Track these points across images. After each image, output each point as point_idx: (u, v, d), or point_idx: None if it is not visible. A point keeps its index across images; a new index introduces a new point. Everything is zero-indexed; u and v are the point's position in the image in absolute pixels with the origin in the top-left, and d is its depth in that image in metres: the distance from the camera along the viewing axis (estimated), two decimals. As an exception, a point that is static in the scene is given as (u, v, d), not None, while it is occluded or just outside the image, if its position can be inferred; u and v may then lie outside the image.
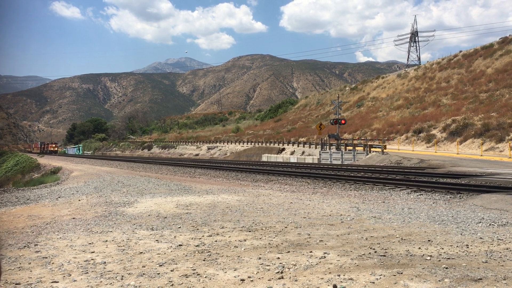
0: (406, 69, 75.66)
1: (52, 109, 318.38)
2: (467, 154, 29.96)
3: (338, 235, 6.60)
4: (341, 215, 8.54)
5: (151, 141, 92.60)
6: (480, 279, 4.35)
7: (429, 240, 6.17)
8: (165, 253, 5.68)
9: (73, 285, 4.45)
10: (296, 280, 4.43)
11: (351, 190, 13.93)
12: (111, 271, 4.90)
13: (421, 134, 41.05)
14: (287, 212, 8.95)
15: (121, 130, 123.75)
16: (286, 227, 7.29)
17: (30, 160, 57.13)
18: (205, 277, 4.61)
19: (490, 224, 7.34)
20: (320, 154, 36.26)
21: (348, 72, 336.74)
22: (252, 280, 4.47)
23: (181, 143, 79.05)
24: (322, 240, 6.26)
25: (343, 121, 37.18)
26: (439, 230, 6.93)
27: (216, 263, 5.17)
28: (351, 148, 35.66)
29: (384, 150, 30.93)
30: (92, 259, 5.43)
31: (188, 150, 71.56)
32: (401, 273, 4.59)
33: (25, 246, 6.26)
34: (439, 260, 5.09)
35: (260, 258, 5.31)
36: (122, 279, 4.59)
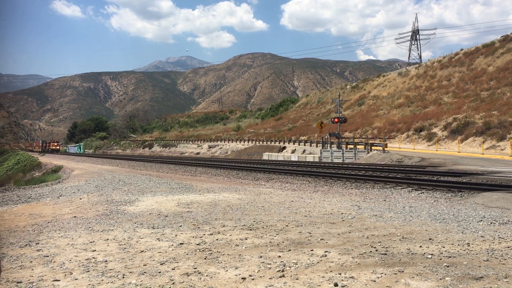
0: (407, 68, 75.57)
1: (53, 107, 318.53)
2: (468, 152, 29.92)
3: (339, 234, 6.60)
4: (342, 213, 8.54)
5: (152, 139, 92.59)
6: (481, 277, 4.35)
7: (430, 239, 6.16)
8: (166, 252, 5.68)
9: (75, 283, 4.45)
10: (297, 279, 4.43)
11: (352, 188, 13.92)
12: (112, 269, 4.91)
13: (422, 133, 41.00)
14: (288, 211, 8.95)
15: (122, 129, 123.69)
16: (287, 226, 7.29)
17: (31, 159, 57.17)
18: (206, 275, 4.61)
19: (491, 223, 7.33)
20: (321, 153, 36.23)
21: (349, 71, 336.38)
22: (253, 279, 4.47)
23: (182, 141, 79.06)
24: (323, 239, 6.26)
25: (344, 120, 37.14)
26: (440, 228, 6.92)
27: (217, 261, 5.17)
28: (352, 146, 35.63)
29: (385, 149, 30.89)
30: (93, 258, 5.43)
31: (189, 149, 71.58)
32: (402, 271, 4.59)
33: (26, 245, 6.27)
34: (440, 259, 5.08)
35: (261, 257, 5.32)
36: (123, 277, 4.60)
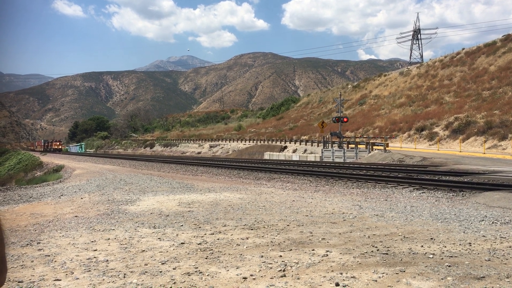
0: (409, 67, 75.49)
1: (55, 107, 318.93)
2: (469, 152, 29.89)
3: (340, 233, 6.60)
4: (343, 213, 8.53)
5: (153, 139, 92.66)
6: (483, 277, 4.34)
7: (431, 238, 6.15)
8: (167, 251, 5.68)
9: (76, 283, 4.45)
10: (298, 278, 4.42)
11: (353, 188, 13.91)
12: (113, 269, 4.91)
13: (424, 132, 40.97)
14: (289, 210, 8.94)
15: (123, 128, 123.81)
16: (288, 225, 7.29)
17: (33, 158, 57.23)
18: (208, 275, 4.61)
19: (493, 222, 7.32)
20: (322, 152, 36.21)
21: (350, 70, 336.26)
22: (254, 278, 4.47)
23: (183, 141, 79.11)
24: (324, 238, 6.26)
25: (345, 119, 37.12)
26: (441, 228, 6.91)
27: (218, 261, 5.17)
28: (353, 146, 35.64)
29: (387, 148, 30.87)
30: (94, 257, 5.44)
31: (190, 148, 71.61)
32: (404, 271, 4.58)
33: (27, 244, 6.27)
34: (442, 258, 5.08)
35: (262, 256, 5.31)
36: (124, 277, 4.60)
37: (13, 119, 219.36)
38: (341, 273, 4.55)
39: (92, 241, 6.37)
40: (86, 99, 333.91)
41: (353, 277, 4.43)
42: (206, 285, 4.31)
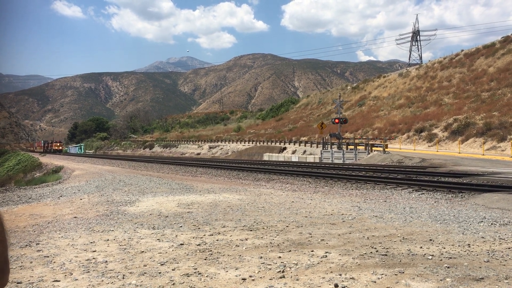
0: (408, 68, 75.55)
1: (54, 108, 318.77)
2: (468, 153, 29.91)
3: (339, 234, 6.60)
4: (342, 214, 8.53)
5: (152, 140, 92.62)
6: (482, 278, 4.35)
7: (430, 240, 6.16)
8: (166, 252, 5.68)
9: (75, 284, 4.45)
10: (297, 280, 4.42)
11: (352, 189, 13.92)
12: (112, 270, 4.90)
13: (423, 133, 41.00)
14: (288, 211, 8.94)
15: (123, 129, 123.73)
16: (287, 226, 7.29)
17: (32, 159, 57.20)
18: (207, 276, 4.61)
19: (492, 224, 7.33)
20: (321, 153, 36.23)
21: (350, 71, 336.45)
22: (253, 279, 4.47)
23: (183, 142, 79.08)
24: (323, 239, 6.26)
25: (344, 120, 37.16)
26: (440, 229, 6.92)
27: (217, 262, 5.17)
28: (352, 147, 35.64)
29: (386, 149, 30.89)
30: (93, 258, 5.43)
31: (190, 149, 71.60)
32: (403, 272, 4.59)
33: (26, 245, 6.27)
34: (441, 260, 5.08)
35: (261, 257, 5.31)
36: (123, 278, 4.60)
37: (12, 120, 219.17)
38: (340, 274, 4.56)
39: (91, 242, 6.37)
40: (86, 100, 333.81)
41: (352, 278, 4.43)
42: (205, 286, 4.31)
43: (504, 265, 4.85)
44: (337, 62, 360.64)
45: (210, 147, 67.19)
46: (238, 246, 5.97)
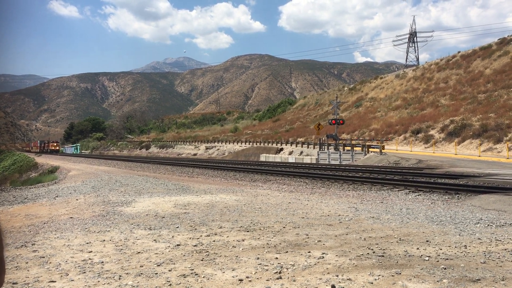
0: (405, 70, 75.72)
1: (50, 108, 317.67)
2: (465, 154, 30.00)
3: (336, 235, 6.60)
4: (339, 215, 8.53)
5: (149, 140, 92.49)
6: (479, 279, 4.35)
7: (427, 241, 6.16)
8: (163, 253, 5.66)
9: (71, 284, 4.43)
10: (294, 281, 4.42)
11: (349, 190, 13.93)
12: (108, 270, 4.88)
13: (419, 135, 41.09)
14: (285, 212, 8.94)
15: (119, 130, 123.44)
16: (284, 227, 7.28)
17: (28, 159, 56.99)
18: (203, 277, 4.60)
19: (488, 225, 7.34)
20: (318, 154, 36.26)
21: (347, 72, 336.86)
22: (250, 280, 4.46)
23: (179, 142, 78.99)
24: (320, 240, 6.25)
25: (341, 121, 37.21)
26: (437, 230, 6.92)
27: (214, 263, 5.15)
28: (349, 148, 35.68)
29: (382, 151, 30.95)
30: (89, 259, 5.41)
31: (186, 150, 71.52)
32: (400, 273, 4.59)
33: (22, 246, 6.24)
34: (438, 261, 5.08)
35: (258, 258, 5.30)
36: (119, 278, 4.58)
37: (8, 120, 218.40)
38: (337, 275, 4.55)
39: (87, 243, 6.34)
40: (82, 100, 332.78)
41: (349, 279, 4.43)
42: (202, 287, 4.29)
43: (501, 266, 4.86)
44: (334, 63, 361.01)
45: (207, 148, 67.14)
46: (235, 247, 5.96)
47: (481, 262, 5.01)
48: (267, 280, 4.46)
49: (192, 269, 4.88)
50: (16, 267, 5.12)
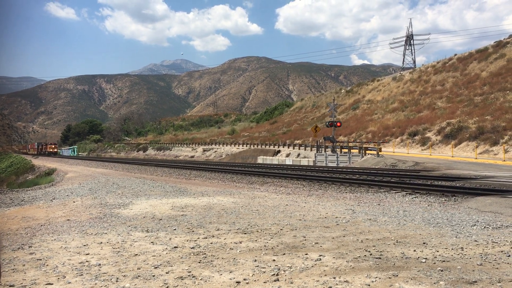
0: (401, 72, 75.94)
1: (47, 110, 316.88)
2: (461, 157, 30.08)
3: (333, 238, 6.61)
4: (336, 217, 8.55)
5: (146, 143, 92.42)
6: (475, 281, 4.37)
7: (424, 243, 6.18)
8: (160, 255, 5.66)
9: (68, 287, 4.43)
10: (291, 283, 4.42)
11: (346, 192, 13.94)
12: (106, 273, 4.88)
13: (416, 137, 41.20)
14: (282, 215, 8.95)
15: (116, 132, 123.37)
16: (281, 229, 7.29)
17: (25, 162, 56.85)
18: (201, 279, 4.60)
19: (484, 227, 7.37)
20: (315, 157, 36.29)
21: (344, 75, 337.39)
22: (247, 283, 4.46)
23: (177, 145, 78.96)
24: (317, 243, 6.26)
25: (338, 124, 37.25)
26: (434, 232, 6.95)
27: (211, 265, 5.16)
28: (346, 150, 35.75)
29: (379, 153, 31.02)
30: (86, 261, 5.40)
31: (184, 152, 71.46)
32: (397, 275, 4.60)
33: (19, 248, 6.22)
34: (434, 263, 5.10)
35: (255, 261, 5.31)
36: (117, 281, 4.58)
37: (5, 122, 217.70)
38: (334, 278, 4.56)
39: (85, 245, 6.33)
40: (79, 102, 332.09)
41: (346, 281, 4.44)
42: (199, 289, 4.29)
43: (497, 268, 4.88)
44: (331, 66, 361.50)
45: (204, 150, 67.11)
46: (232, 249, 5.96)
47: (477, 264, 5.03)
48: (264, 282, 4.47)
49: (190, 271, 4.88)
50: (13, 269, 5.11)
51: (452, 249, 5.82)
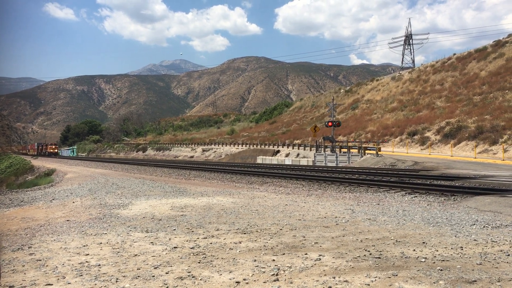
0: (401, 72, 75.97)
1: (46, 110, 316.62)
2: (461, 156, 30.10)
3: (333, 237, 6.61)
4: (336, 217, 8.55)
5: (145, 143, 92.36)
6: (475, 281, 4.37)
7: (423, 242, 6.19)
8: (160, 256, 5.66)
9: (68, 287, 4.42)
10: (291, 283, 4.43)
11: (345, 192, 13.95)
12: (105, 273, 4.88)
13: (415, 137, 41.21)
14: (282, 214, 8.95)
15: (116, 132, 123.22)
16: (281, 229, 7.30)
17: (24, 162, 56.79)
18: (200, 279, 4.60)
19: (484, 226, 7.37)
20: (315, 156, 36.30)
21: (343, 75, 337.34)
22: (247, 283, 4.46)
23: (176, 145, 78.92)
24: (317, 242, 6.27)
25: (337, 124, 37.26)
26: (433, 232, 6.95)
27: (211, 265, 5.16)
28: (345, 150, 35.75)
29: (379, 153, 31.02)
30: (86, 262, 5.40)
31: (183, 152, 71.43)
32: (396, 275, 4.60)
33: (19, 249, 6.22)
34: (434, 262, 5.10)
35: (255, 261, 5.31)
36: (116, 281, 4.58)
37: (4, 123, 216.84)
38: (334, 277, 4.57)
39: (84, 246, 6.33)
40: (78, 102, 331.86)
41: (346, 281, 4.44)
42: (199, 290, 4.30)
43: (497, 267, 4.89)
44: (330, 66, 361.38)
45: (204, 150, 67.09)
46: (232, 249, 5.96)
47: (477, 264, 5.04)
48: (264, 282, 4.47)
49: (189, 272, 4.88)
50: (13, 270, 5.10)
51: (451, 248, 5.82)
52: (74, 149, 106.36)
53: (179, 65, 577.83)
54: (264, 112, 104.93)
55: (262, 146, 53.61)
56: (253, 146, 56.03)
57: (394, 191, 13.56)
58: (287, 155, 44.75)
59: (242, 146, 60.15)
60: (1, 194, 17.60)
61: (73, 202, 12.04)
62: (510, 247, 5.90)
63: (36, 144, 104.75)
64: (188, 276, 4.73)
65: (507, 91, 40.39)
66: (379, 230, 7.18)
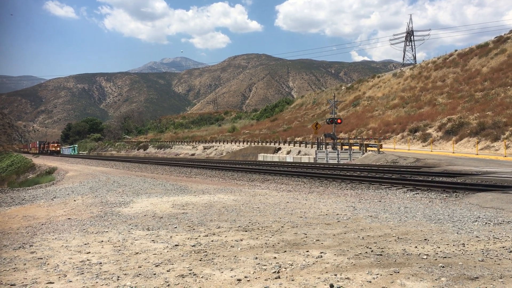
0: (402, 68, 75.82)
1: (47, 109, 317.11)
2: (462, 153, 30.05)
3: (334, 235, 6.60)
4: (337, 214, 8.54)
5: (146, 141, 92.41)
6: (477, 277, 4.35)
7: (425, 239, 6.17)
8: (161, 253, 5.66)
9: (69, 285, 4.42)
10: (293, 280, 4.41)
11: (347, 189, 13.93)
12: (107, 271, 4.87)
13: (417, 133, 41.15)
14: (283, 212, 8.94)
15: (117, 130, 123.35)
16: (282, 227, 7.28)
17: (25, 161, 56.89)
18: (202, 277, 4.59)
19: (486, 223, 7.35)
20: (316, 154, 36.26)
21: (344, 72, 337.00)
22: (248, 280, 4.45)
23: (177, 143, 78.94)
24: (318, 240, 6.26)
25: (339, 121, 37.21)
26: (435, 229, 6.93)
27: (212, 263, 5.15)
28: (347, 147, 35.73)
29: (380, 149, 30.98)
30: (87, 260, 5.40)
31: (184, 150, 71.46)
32: (398, 272, 4.59)
33: (20, 247, 6.22)
34: (436, 259, 5.09)
35: (256, 258, 5.30)
36: (118, 279, 4.57)
37: (5, 121, 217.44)
38: (336, 274, 4.55)
39: (85, 244, 6.33)
40: (79, 100, 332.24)
41: (348, 278, 4.43)
42: (200, 287, 4.29)
43: (499, 264, 4.87)
44: (331, 62, 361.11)
45: (205, 148, 67.10)
46: (233, 246, 5.95)
47: (479, 260, 5.02)
48: (265, 279, 4.46)
49: (191, 270, 4.87)
50: (14, 268, 5.10)
51: (453, 245, 5.80)
52: (75, 147, 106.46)
53: (179, 62, 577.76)
54: (265, 109, 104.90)
55: (263, 144, 53.58)
56: (254, 144, 56.01)
57: (395, 188, 13.54)
58: (288, 153, 44.72)
59: (243, 143, 60.13)
60: (3, 193, 17.63)
61: (74, 201, 12.05)
62: (512, 243, 5.87)
63: (38, 142, 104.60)
64: (190, 274, 4.72)
65: (509, 87, 40.29)
66: (381, 227, 7.16)
